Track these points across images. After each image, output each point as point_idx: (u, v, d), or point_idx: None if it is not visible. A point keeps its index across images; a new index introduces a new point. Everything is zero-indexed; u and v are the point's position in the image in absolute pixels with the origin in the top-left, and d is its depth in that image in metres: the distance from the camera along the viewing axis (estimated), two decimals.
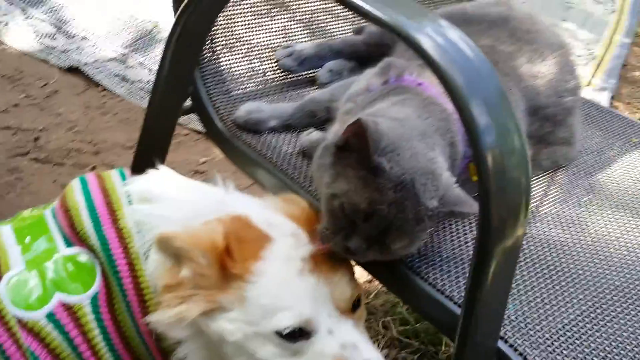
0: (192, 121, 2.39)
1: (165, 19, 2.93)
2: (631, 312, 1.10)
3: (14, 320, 0.99)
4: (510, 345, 1.00)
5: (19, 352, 0.98)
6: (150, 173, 1.14)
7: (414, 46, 0.83)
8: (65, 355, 1.01)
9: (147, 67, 2.71)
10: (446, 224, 1.20)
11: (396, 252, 1.05)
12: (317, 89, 1.53)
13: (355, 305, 1.06)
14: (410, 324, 1.80)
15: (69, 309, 1.01)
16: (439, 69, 0.81)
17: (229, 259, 0.98)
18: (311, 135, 1.32)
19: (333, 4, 1.67)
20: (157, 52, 2.78)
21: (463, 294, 1.02)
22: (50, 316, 1.01)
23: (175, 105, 1.40)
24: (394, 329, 1.77)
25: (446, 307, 1.05)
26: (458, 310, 1.02)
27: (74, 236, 1.06)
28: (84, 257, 1.05)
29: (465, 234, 1.19)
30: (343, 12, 1.69)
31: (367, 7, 0.87)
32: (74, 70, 2.67)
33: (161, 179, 1.14)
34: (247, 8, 1.54)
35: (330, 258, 1.05)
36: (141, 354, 1.05)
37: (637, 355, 1.02)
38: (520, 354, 0.99)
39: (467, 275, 1.06)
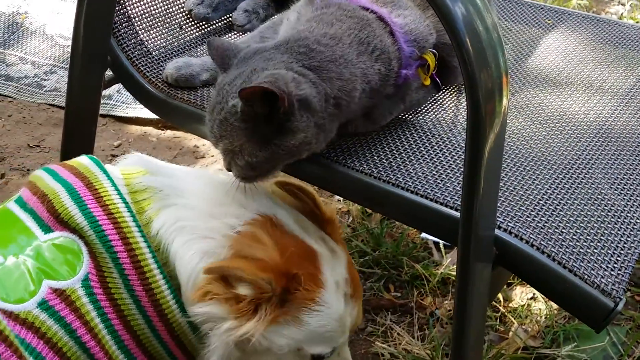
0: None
1: (34, 8, 2.75)
2: (590, 171, 1.17)
3: (4, 323, 0.91)
4: (505, 230, 1.02)
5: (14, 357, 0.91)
6: (125, 158, 1.12)
7: None
8: (63, 343, 0.95)
9: (28, 61, 2.53)
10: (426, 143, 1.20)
11: None
12: (237, 33, 1.48)
13: None
14: (369, 254, 1.81)
15: (60, 294, 0.96)
16: None
17: (292, 283, 0.99)
18: None
19: None
20: (35, 43, 2.61)
21: (451, 197, 1.06)
22: (43, 304, 0.94)
23: (97, 78, 1.32)
24: (354, 262, 1.77)
25: (443, 214, 1.05)
26: (453, 213, 1.04)
27: (54, 220, 1.00)
28: (66, 240, 0.99)
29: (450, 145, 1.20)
30: None
31: None
32: None
33: (140, 159, 1.12)
34: None
35: (357, 280, 1.09)
36: (142, 332, 1.00)
37: (600, 202, 1.12)
38: (516, 235, 1.02)
39: (450, 178, 1.11)
